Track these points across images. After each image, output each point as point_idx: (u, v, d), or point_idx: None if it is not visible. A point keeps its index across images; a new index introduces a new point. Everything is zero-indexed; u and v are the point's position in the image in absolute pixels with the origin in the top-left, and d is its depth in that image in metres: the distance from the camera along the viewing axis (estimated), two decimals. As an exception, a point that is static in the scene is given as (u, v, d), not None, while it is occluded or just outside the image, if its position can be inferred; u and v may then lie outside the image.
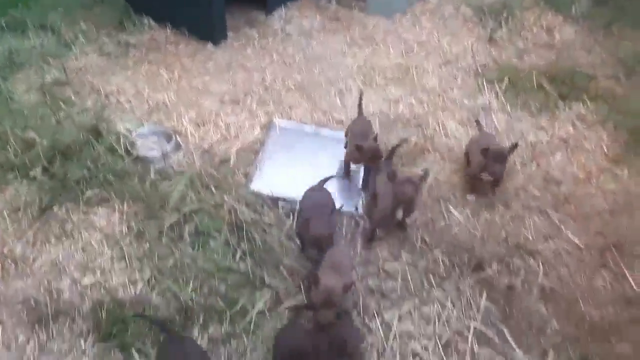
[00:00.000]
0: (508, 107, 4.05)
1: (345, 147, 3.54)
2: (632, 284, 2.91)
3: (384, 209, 2.97)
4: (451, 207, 3.27)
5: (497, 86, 4.21)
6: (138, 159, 3.41)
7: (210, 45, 4.53)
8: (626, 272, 2.96)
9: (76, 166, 3.26)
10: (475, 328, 2.68)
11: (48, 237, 2.98)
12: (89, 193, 3.17)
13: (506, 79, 4.23)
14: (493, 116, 3.96)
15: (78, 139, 3.40)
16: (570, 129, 3.90)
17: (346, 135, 3.56)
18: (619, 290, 2.88)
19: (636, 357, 2.60)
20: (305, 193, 3.06)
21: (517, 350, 2.60)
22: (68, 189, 3.18)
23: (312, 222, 2.74)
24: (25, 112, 3.71)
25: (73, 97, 3.92)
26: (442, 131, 3.81)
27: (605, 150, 3.76)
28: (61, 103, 3.84)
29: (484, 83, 4.26)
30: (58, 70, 4.14)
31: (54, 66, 4.19)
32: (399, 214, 3.02)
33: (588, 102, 4.12)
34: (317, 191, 3.07)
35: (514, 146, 3.25)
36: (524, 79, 4.24)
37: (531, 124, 3.93)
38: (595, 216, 3.31)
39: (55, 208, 3.10)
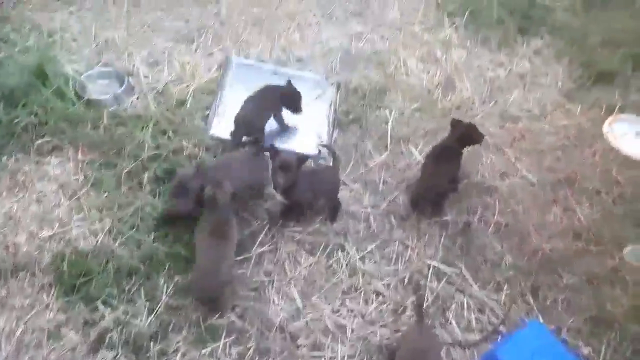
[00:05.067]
0: (468, 42, 4.03)
1: None
2: (581, 217, 3.07)
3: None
4: (411, 148, 3.31)
5: (458, 20, 4.15)
6: (89, 103, 3.25)
7: (159, -23, 4.24)
8: (575, 206, 3.11)
9: (23, 112, 3.07)
10: (434, 266, 2.80)
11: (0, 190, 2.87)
12: (39, 141, 3.03)
13: (467, 12, 4.16)
14: (453, 52, 3.94)
15: (22, 82, 3.18)
16: (528, 64, 3.95)
17: None
18: (568, 224, 3.04)
19: (582, 287, 2.78)
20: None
21: (474, 285, 2.74)
22: (17, 137, 3.03)
23: None
24: (-41, 52, 3.44)
25: (12, 36, 3.63)
26: (403, 69, 3.77)
27: (560, 85, 3.84)
28: (0, 42, 3.57)
29: (445, 16, 4.19)
30: (-7, 4, 3.82)
31: (-12, 0, 3.85)
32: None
33: (546, 36, 4.15)
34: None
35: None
36: (484, 12, 4.19)
37: (490, 60, 3.94)
38: (548, 152, 3.42)
39: (5, 158, 2.96)
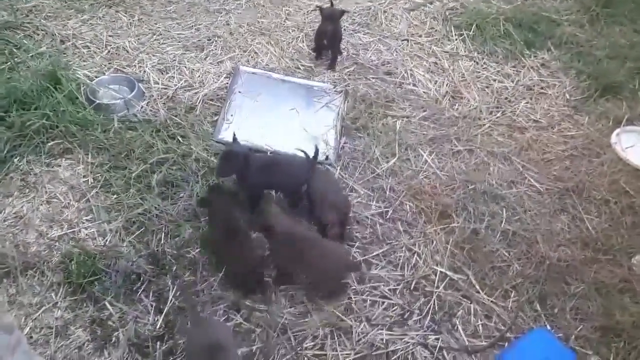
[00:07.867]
0: (475, 54, 4.07)
1: None
2: (589, 226, 3.06)
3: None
4: (421, 152, 3.32)
5: (464, 32, 4.20)
6: (100, 108, 3.30)
7: (171, -13, 4.33)
8: (583, 215, 3.11)
9: (35, 115, 3.11)
10: (440, 272, 2.79)
11: (10, 191, 2.89)
12: (50, 144, 3.06)
13: (474, 25, 4.21)
14: (460, 63, 3.98)
15: (35, 87, 3.23)
16: (535, 76, 3.97)
17: None
18: (576, 233, 3.03)
19: (590, 296, 2.76)
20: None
21: (481, 292, 2.73)
22: (28, 140, 3.06)
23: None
24: (-26, 58, 3.51)
25: (26, 42, 3.70)
26: (410, 78, 3.80)
27: (567, 97, 3.86)
28: (13, 48, 3.63)
29: (452, 29, 4.24)
30: (7, 12, 3.89)
31: (2, 8, 3.94)
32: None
33: (553, 49, 4.18)
34: None
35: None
36: (491, 25, 4.23)
37: (497, 71, 3.97)
38: (556, 162, 3.42)
39: (17, 160, 2.99)
